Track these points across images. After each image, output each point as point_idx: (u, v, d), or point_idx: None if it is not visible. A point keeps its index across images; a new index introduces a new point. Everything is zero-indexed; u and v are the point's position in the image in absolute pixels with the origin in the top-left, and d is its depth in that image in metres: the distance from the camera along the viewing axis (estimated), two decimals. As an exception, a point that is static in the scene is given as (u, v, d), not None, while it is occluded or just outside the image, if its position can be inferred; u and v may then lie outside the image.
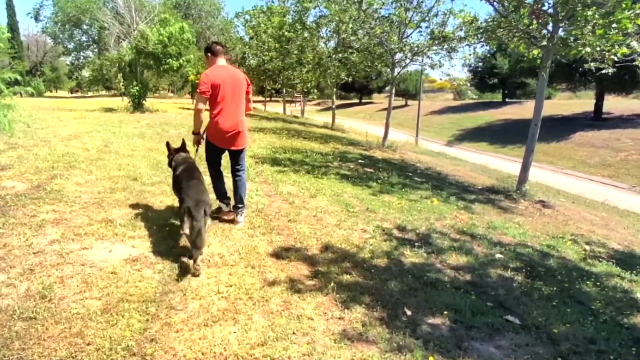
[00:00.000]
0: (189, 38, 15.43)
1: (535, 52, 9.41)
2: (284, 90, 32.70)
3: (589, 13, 7.53)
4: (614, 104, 28.15)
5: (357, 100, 57.46)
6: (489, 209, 7.06)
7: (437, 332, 2.95)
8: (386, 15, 13.32)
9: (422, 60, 15.95)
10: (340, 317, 3.00)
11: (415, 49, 13.79)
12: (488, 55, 34.06)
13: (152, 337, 2.57)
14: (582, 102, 30.44)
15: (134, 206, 4.74)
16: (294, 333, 2.75)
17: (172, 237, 4.04)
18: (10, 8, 33.49)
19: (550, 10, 8.34)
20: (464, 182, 10.11)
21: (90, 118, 13.58)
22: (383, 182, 7.71)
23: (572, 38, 7.81)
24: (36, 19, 35.97)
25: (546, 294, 3.77)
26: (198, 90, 4.13)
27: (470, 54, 13.93)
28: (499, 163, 16.38)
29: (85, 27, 35.58)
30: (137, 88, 15.31)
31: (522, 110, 31.66)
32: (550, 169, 16.13)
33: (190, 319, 2.81)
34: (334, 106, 23.79)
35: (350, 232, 4.74)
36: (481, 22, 9.99)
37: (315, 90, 32.38)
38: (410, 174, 9.65)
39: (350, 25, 13.68)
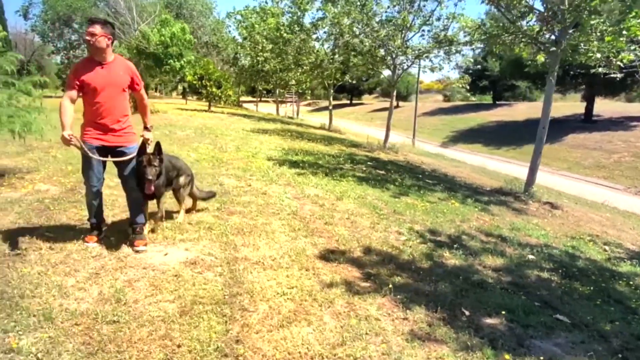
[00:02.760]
0: (190, 39, 15.38)
1: (540, 57, 9.65)
2: (277, 91, 32.79)
3: (597, 21, 7.80)
4: (601, 106, 28.77)
5: (348, 101, 57.72)
6: (505, 211, 7.25)
7: (498, 331, 3.08)
8: (390, 18, 13.46)
9: (421, 62, 16.23)
10: (404, 317, 3.12)
11: (417, 51, 14.00)
12: (479, 58, 34.57)
13: (237, 339, 2.65)
14: (570, 105, 31.08)
15: (173, 210, 4.79)
16: (366, 333, 2.85)
17: (220, 239, 4.11)
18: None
19: (559, 17, 8.56)
20: (472, 183, 10.31)
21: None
22: (400, 185, 7.85)
23: (582, 44, 8.04)
24: (25, 16, 35.43)
25: (586, 294, 3.94)
26: None
27: (470, 58, 14.24)
28: (496, 165, 16.69)
29: (76, 25, 35.04)
30: (138, 89, 15.20)
31: (513, 112, 32.26)
32: (547, 171, 16.46)
33: (265, 320, 2.89)
34: (331, 107, 23.93)
35: (387, 235, 4.86)
36: (487, 28, 10.19)
37: (309, 91, 32.60)
38: (420, 176, 9.81)
39: (355, 29, 13.81)
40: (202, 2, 42.94)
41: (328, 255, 4.06)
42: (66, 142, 3.32)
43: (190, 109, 21.04)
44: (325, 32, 19.30)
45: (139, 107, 3.84)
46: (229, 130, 13.19)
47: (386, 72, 17.64)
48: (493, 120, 29.84)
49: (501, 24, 9.86)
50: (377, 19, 14.25)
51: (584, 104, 26.27)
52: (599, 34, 7.87)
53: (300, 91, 29.62)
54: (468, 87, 15.13)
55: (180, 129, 12.32)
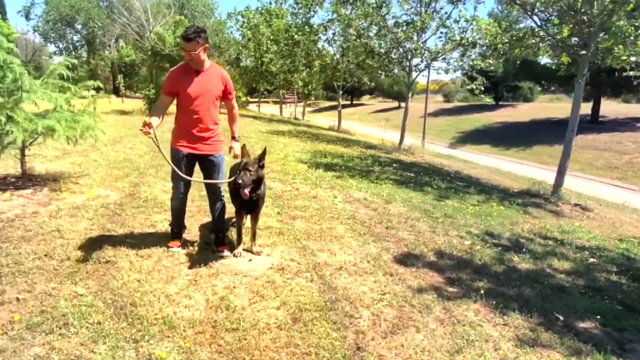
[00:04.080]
0: (205, 40, 15.33)
1: (565, 58, 9.74)
2: (280, 92, 32.75)
3: (625, 24, 7.88)
4: (604, 107, 28.98)
5: (348, 102, 57.72)
6: (543, 213, 7.30)
7: (597, 335, 3.12)
8: (409, 21, 13.51)
9: (434, 64, 16.25)
10: (504, 323, 3.15)
11: (435, 53, 14.06)
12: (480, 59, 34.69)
13: (357, 345, 2.67)
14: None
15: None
16: (477, 340, 2.87)
17: (294, 244, 4.13)
18: (0, 6, 32.65)
19: (589, 21, 8.63)
20: (498, 185, 10.37)
21: (111, 121, 13.38)
22: (437, 188, 7.89)
23: (616, 48, 8.10)
24: (27, 17, 35.14)
25: (661, 297, 3.98)
26: None
27: (479, 59, 14.31)
28: (510, 166, 16.76)
29: (78, 26, 34.87)
30: (153, 91, 15.17)
31: (516, 113, 32.41)
32: (559, 172, 16.56)
33: (373, 326, 2.91)
34: (340, 109, 23.93)
35: (450, 239, 4.89)
36: (515, 31, 10.26)
37: (314, 92, 32.62)
38: (448, 178, 9.86)
39: (372, 30, 13.87)
40: (203, 3, 42.86)
41: (404, 260, 4.08)
42: (143, 132, 3.26)
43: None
44: (334, 33, 19.36)
45: (229, 116, 3.80)
46: (248, 132, 13.16)
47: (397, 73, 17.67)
48: (498, 121, 29.97)
49: (529, 28, 9.92)
50: (393, 21, 14.30)
51: (588, 104, 26.48)
52: (632, 37, 7.95)
53: (306, 92, 29.57)
54: (483, 89, 15.20)
55: (201, 131, 12.28)
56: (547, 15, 9.42)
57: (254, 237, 3.89)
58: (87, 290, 2.96)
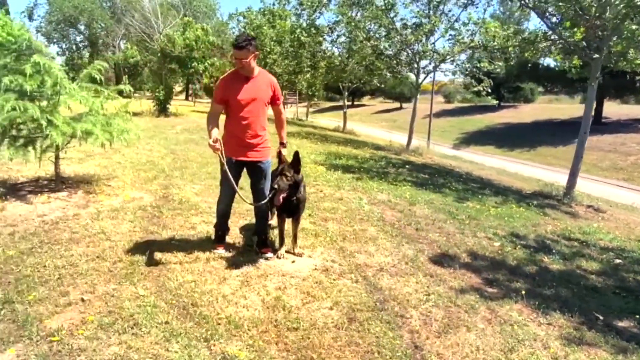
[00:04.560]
0: (213, 41, 15.46)
1: (577, 61, 9.86)
2: (284, 93, 32.89)
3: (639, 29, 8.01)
4: (605, 108, 29.16)
5: (349, 103, 57.79)
6: (560, 215, 7.41)
7: (637, 336, 3.22)
8: (418, 22, 13.63)
9: (441, 66, 16.36)
10: (548, 322, 3.25)
11: (444, 56, 14.19)
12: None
13: (415, 344, 2.77)
14: (577, 107, 31.44)
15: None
16: (526, 339, 2.97)
17: (332, 246, 4.22)
18: (3, 6, 32.63)
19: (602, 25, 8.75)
20: (510, 187, 10.49)
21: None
22: (454, 189, 8.00)
23: (630, 51, 8.23)
24: (30, 18, 35.14)
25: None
26: None
27: (492, 63, 14.46)
28: (516, 167, 16.91)
29: (81, 27, 34.89)
30: (163, 92, 15.26)
31: (519, 114, 32.57)
32: (565, 173, 16.66)
33: (425, 326, 3.01)
34: (345, 110, 24.04)
35: (479, 240, 5.00)
36: (527, 34, 10.39)
37: (317, 93, 32.72)
38: (462, 179, 9.98)
39: (384, 33, 13.98)
40: (205, 3, 42.98)
41: (440, 261, 4.18)
42: (214, 149, 3.38)
43: (205, 111, 21.02)
44: (338, 35, 19.49)
45: (276, 121, 3.87)
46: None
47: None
48: (500, 122, 30.13)
49: (541, 31, 10.05)
50: (402, 23, 14.41)
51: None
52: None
53: (310, 93, 29.70)
54: (490, 90, 15.36)
55: (213, 132, 12.36)
56: (558, 19, 9.54)
57: (295, 239, 3.98)
58: (146, 291, 3.05)
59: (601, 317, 3.41)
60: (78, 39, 36.22)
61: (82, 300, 2.88)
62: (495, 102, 34.85)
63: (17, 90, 4.63)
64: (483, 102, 39.67)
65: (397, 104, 47.37)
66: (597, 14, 8.38)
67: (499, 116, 32.23)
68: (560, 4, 8.32)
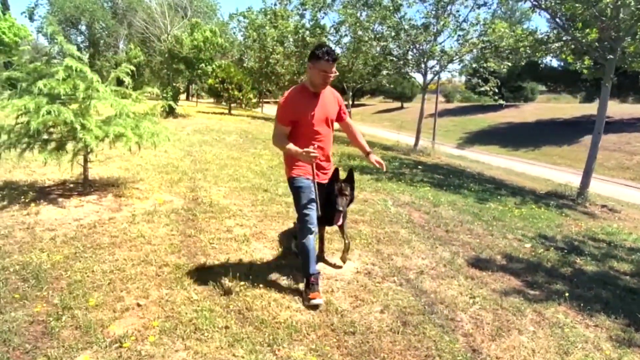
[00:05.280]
0: (221, 42, 15.45)
1: (588, 61, 9.89)
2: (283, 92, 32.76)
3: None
4: (608, 107, 29.25)
5: (350, 102, 57.80)
6: (579, 215, 7.46)
7: (684, 336, 3.25)
8: (426, 23, 13.67)
9: (448, 66, 16.39)
10: (595, 324, 3.27)
11: (452, 55, 14.22)
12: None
13: (472, 348, 2.78)
14: (578, 106, 31.57)
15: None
16: (577, 341, 3.00)
17: (369, 249, 4.24)
18: (4, 5, 32.57)
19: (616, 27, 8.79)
20: (524, 187, 10.53)
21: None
22: (473, 190, 8.03)
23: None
24: (30, 18, 35.03)
25: None
26: None
27: (500, 63, 14.50)
28: (523, 167, 16.97)
29: (83, 27, 34.83)
30: (170, 94, 15.24)
31: (521, 113, 32.63)
32: (572, 172, 16.75)
33: (477, 329, 3.02)
34: (350, 110, 24.00)
35: (509, 242, 5.02)
36: (540, 35, 10.43)
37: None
38: (476, 180, 10.01)
39: (392, 34, 14.00)
40: (206, 4, 42.93)
41: (477, 264, 4.20)
42: (313, 157, 2.90)
43: (209, 112, 21.03)
44: (342, 36, 19.55)
45: (351, 133, 3.48)
46: (269, 135, 13.25)
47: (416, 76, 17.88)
48: (503, 121, 30.20)
49: (555, 33, 10.09)
50: (408, 24, 14.44)
51: (590, 105, 26.80)
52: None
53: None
54: (497, 90, 15.45)
55: (224, 134, 12.38)
56: (570, 20, 9.56)
57: (347, 249, 3.76)
58: (199, 295, 3.06)
59: (645, 319, 3.43)
60: (79, 39, 36.16)
61: (138, 305, 2.88)
62: (502, 102, 34.88)
63: (48, 94, 4.62)
64: (485, 102, 39.80)
65: (397, 104, 47.43)
66: (612, 15, 8.42)
67: (501, 116, 32.29)
68: (577, 4, 8.34)
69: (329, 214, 3.31)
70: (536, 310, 3.39)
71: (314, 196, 3.09)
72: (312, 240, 3.13)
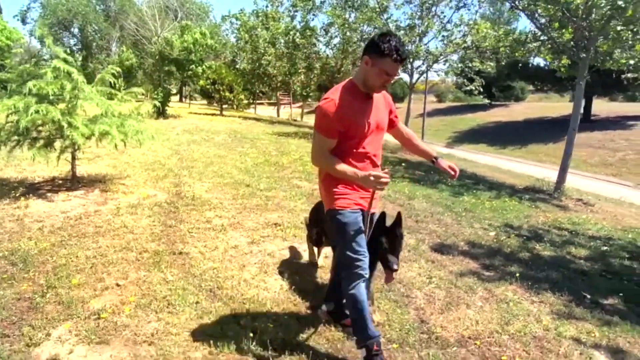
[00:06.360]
0: (211, 44, 15.70)
1: (565, 60, 10.23)
2: (277, 94, 33.11)
3: (623, 29, 8.41)
4: (594, 105, 29.74)
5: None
6: (551, 207, 7.77)
7: (621, 310, 3.56)
8: (411, 24, 13.99)
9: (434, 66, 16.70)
10: (540, 301, 3.57)
11: (437, 56, 14.55)
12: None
13: (421, 319, 3.07)
14: (566, 105, 31.98)
15: (283, 210, 5.16)
16: (520, 314, 3.29)
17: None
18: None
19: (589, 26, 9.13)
20: (503, 182, 10.85)
21: (123, 125, 13.68)
22: (450, 185, 8.32)
23: (617, 52, 8.62)
24: (23, 21, 35.15)
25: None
26: None
27: (484, 63, 14.86)
28: (509, 164, 17.31)
29: (75, 30, 34.97)
30: (161, 95, 15.48)
31: (510, 112, 33.06)
32: (555, 169, 17.10)
33: (429, 304, 3.31)
34: (340, 110, 24.28)
35: (475, 230, 5.32)
36: (517, 35, 10.78)
37: (312, 94, 33.02)
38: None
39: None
40: (198, 6, 43.14)
41: (440, 249, 4.50)
42: (384, 181, 2.16)
43: (201, 112, 21.26)
44: (331, 37, 19.89)
45: (407, 141, 2.82)
46: (258, 134, 13.53)
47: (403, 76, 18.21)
48: (492, 120, 30.59)
49: (530, 32, 10.44)
50: (394, 25, 14.76)
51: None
52: (630, 42, 8.47)
53: (304, 94, 29.96)
54: (482, 89, 15.83)
55: (213, 133, 12.61)
56: (547, 20, 9.90)
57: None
58: (174, 276, 3.33)
59: (588, 296, 3.74)
60: (72, 42, 36.27)
61: (117, 285, 3.15)
62: (487, 101, 35.26)
63: (37, 94, 4.88)
64: (475, 102, 40.27)
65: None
66: (583, 16, 8.76)
67: (491, 115, 32.70)
68: (549, 6, 8.68)
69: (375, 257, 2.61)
70: (487, 288, 3.68)
71: (363, 233, 2.40)
72: (364, 289, 2.38)
